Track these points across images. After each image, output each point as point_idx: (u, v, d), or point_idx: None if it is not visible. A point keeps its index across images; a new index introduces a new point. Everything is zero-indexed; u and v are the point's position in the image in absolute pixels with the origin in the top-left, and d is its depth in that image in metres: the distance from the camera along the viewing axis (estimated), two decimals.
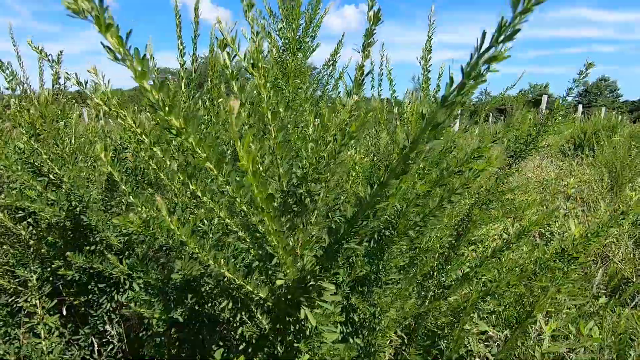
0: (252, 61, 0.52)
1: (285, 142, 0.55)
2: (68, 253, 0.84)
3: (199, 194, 0.59)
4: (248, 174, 0.36)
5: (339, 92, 1.35)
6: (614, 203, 3.64)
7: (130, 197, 0.73)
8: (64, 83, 1.59)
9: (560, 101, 1.27)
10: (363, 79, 0.55)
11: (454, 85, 0.37)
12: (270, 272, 0.63)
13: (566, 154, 7.06)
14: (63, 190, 0.97)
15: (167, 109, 0.40)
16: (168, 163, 0.69)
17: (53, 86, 1.20)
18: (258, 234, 0.54)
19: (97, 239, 1.00)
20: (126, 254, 1.03)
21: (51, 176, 0.98)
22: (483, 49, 0.33)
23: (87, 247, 1.02)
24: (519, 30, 0.32)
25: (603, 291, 1.99)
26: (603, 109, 13.84)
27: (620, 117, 9.25)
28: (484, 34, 0.34)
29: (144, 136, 0.64)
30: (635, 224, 2.75)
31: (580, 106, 14.90)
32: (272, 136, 0.54)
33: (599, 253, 2.44)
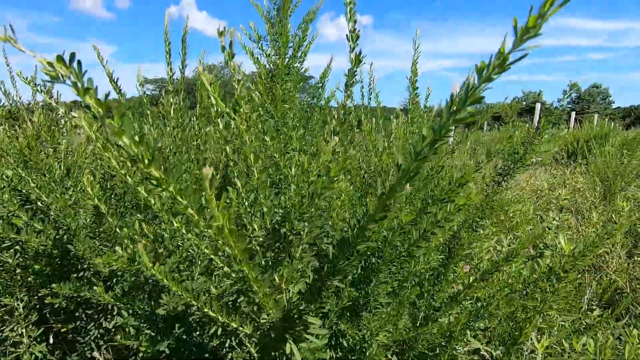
0: (234, 107, 0.53)
1: (268, 181, 0.56)
2: (54, 285, 0.83)
3: (183, 231, 0.60)
4: (224, 231, 0.37)
5: (330, 111, 1.36)
6: (607, 212, 3.67)
7: (117, 229, 0.73)
8: (58, 94, 1.60)
9: (546, 121, 1.28)
10: (345, 118, 0.56)
11: (426, 141, 0.38)
12: (255, 308, 0.63)
13: (560, 161, 7.13)
14: (51, 216, 0.97)
15: (146, 161, 0.40)
16: (153, 200, 0.69)
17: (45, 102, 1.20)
18: (241, 274, 0.54)
19: (85, 266, 1.00)
20: (114, 280, 1.02)
21: (39, 203, 0.98)
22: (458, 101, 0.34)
23: (75, 275, 1.01)
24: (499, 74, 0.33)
25: (596, 304, 2.00)
26: (596, 115, 14.02)
27: (612, 124, 9.37)
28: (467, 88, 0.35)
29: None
30: (628, 233, 2.77)
31: (573, 113, 15.09)
32: (255, 176, 0.55)
33: (592, 263, 2.45)
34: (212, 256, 0.60)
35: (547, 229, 2.80)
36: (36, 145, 0.93)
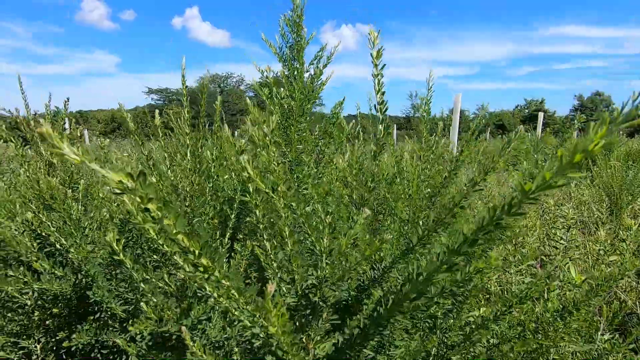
0: (273, 187, 0.54)
1: (300, 251, 0.57)
2: (74, 335, 0.84)
3: (221, 300, 0.61)
4: (277, 332, 0.38)
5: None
6: (614, 228, 3.65)
7: (142, 284, 0.74)
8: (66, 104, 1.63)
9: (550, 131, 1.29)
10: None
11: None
12: None
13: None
14: (69, 258, 0.98)
15: (197, 253, 0.42)
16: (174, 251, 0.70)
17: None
18: (271, 337, 0.55)
19: (102, 308, 1.01)
20: (130, 322, 1.03)
21: (57, 245, 1.00)
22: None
23: (92, 317, 1.02)
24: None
25: (607, 326, 1.97)
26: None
27: (616, 133, 9.32)
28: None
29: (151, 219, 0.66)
30: (636, 253, 2.74)
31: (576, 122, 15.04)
32: (288, 247, 0.56)
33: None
34: (247, 323, 0.61)
35: (554, 248, 2.78)
36: (58, 193, 0.95)
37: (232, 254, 1.00)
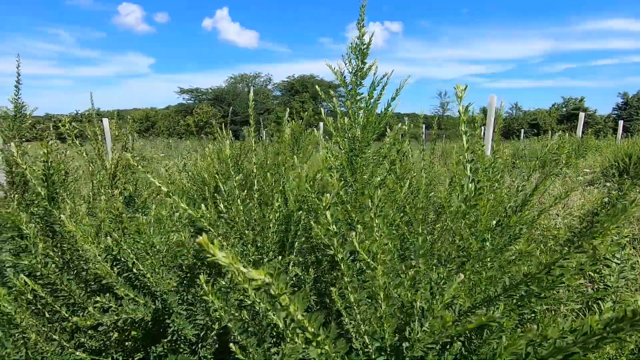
0: (374, 258, 0.55)
1: (391, 314, 0.57)
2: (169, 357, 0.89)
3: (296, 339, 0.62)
4: None
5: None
6: None
7: (222, 313, 0.77)
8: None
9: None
10: None
11: None
12: None
13: (610, 179, 6.69)
14: (146, 283, 1.04)
15: (313, 332, 0.42)
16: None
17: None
18: None
19: (174, 330, 1.06)
20: (199, 345, 1.07)
21: (134, 270, 1.05)
22: None
23: (164, 340, 1.07)
24: None
25: None
26: None
27: None
28: None
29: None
30: None
31: (621, 122, 14.12)
32: (382, 309, 0.57)
33: None
34: None
35: (606, 267, 2.63)
36: (126, 218, 1.01)
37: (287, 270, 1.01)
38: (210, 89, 50.67)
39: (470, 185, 0.62)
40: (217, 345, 1.08)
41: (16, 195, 1.73)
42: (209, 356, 1.08)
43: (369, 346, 0.60)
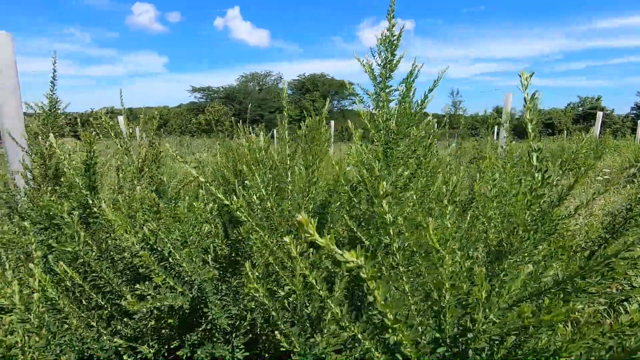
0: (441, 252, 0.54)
1: (455, 304, 0.57)
2: (199, 352, 0.90)
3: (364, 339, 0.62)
4: None
5: None
6: None
7: (270, 308, 0.77)
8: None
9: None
10: None
11: None
12: None
13: (633, 182, 6.51)
14: (182, 272, 1.05)
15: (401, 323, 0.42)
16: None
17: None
18: None
19: (209, 319, 1.07)
20: (233, 335, 1.08)
21: (170, 259, 1.07)
22: None
23: (198, 328, 1.08)
24: None
25: None
26: None
27: None
28: None
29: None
30: None
31: None
32: (445, 299, 0.56)
33: None
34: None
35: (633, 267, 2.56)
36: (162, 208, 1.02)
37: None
38: (222, 87, 51.07)
39: (537, 175, 0.60)
40: (250, 336, 1.08)
41: (49, 188, 1.77)
42: (241, 346, 1.08)
43: (422, 338, 0.59)
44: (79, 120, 2.37)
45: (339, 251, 0.32)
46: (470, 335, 0.56)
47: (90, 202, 1.06)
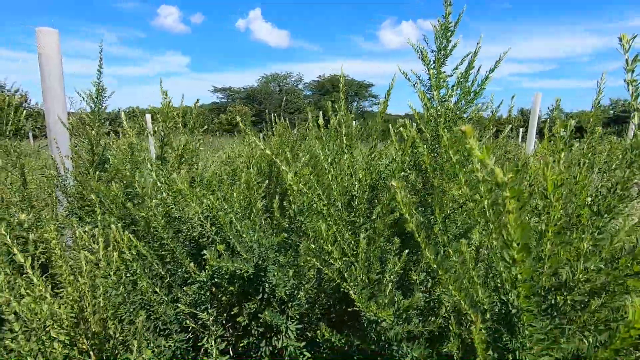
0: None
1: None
2: (263, 313, 0.94)
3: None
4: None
5: None
6: None
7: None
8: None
9: None
10: None
11: None
12: None
13: None
14: (242, 242, 1.10)
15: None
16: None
17: None
18: None
19: (266, 288, 1.11)
20: (289, 304, 1.12)
21: (232, 229, 1.12)
22: None
23: (257, 297, 1.13)
24: None
25: None
26: None
27: None
28: None
29: None
30: None
31: None
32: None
33: None
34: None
35: None
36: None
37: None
38: (243, 88, 51.90)
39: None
40: (306, 306, 1.12)
41: (97, 173, 1.87)
42: (296, 316, 1.12)
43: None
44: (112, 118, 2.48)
45: (490, 164, 0.35)
46: (567, 287, 0.57)
47: (161, 173, 1.12)
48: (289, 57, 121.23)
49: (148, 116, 6.88)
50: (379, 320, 0.81)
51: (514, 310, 0.54)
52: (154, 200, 1.06)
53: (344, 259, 0.84)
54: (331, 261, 0.80)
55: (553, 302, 0.59)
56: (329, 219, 0.88)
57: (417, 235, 0.62)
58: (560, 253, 0.58)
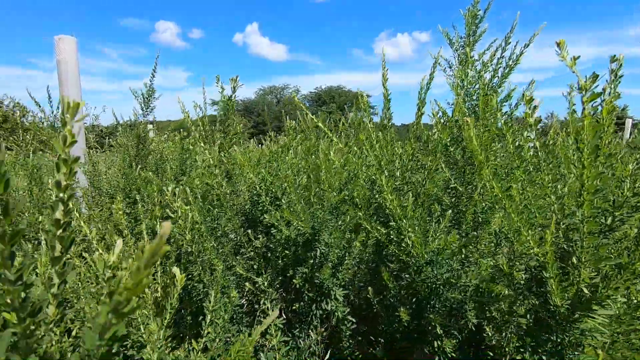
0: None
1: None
2: (322, 270, 1.02)
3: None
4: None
5: None
6: None
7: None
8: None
9: None
10: None
11: None
12: None
13: None
14: (295, 208, 1.19)
15: None
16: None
17: None
18: None
19: (318, 253, 1.20)
20: (339, 268, 1.21)
21: (283, 200, 1.21)
22: None
23: (310, 261, 1.22)
24: None
25: None
26: None
27: None
28: None
29: None
30: None
31: None
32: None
33: None
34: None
35: None
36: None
37: None
38: (241, 100, 52.40)
39: None
40: (355, 269, 1.21)
41: (139, 166, 1.97)
42: (346, 278, 1.21)
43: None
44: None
45: None
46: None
47: (221, 153, 1.23)
48: (288, 69, 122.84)
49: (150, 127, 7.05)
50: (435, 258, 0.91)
51: (579, 225, 0.64)
52: (217, 169, 1.16)
53: (399, 212, 0.94)
54: (387, 210, 0.90)
55: (603, 221, 0.69)
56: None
57: (484, 165, 0.72)
58: (609, 173, 0.68)
